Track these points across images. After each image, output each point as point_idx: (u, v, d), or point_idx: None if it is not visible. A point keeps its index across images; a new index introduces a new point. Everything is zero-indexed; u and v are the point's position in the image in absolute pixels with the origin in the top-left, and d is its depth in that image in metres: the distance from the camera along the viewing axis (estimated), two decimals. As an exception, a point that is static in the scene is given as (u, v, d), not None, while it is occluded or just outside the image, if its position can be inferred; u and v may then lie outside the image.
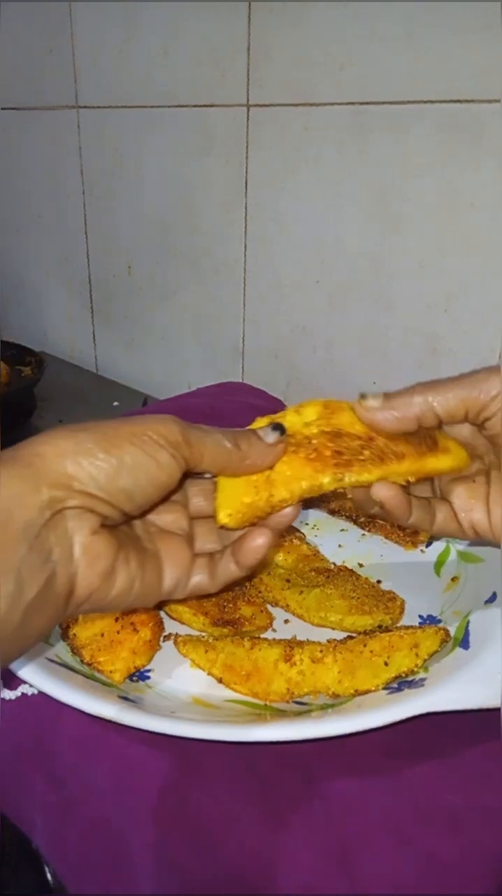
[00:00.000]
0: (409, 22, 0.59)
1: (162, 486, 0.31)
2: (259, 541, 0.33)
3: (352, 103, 0.65)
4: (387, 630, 0.41)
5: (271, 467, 0.34)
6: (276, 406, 0.76)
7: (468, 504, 0.37)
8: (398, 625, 0.43)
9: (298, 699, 0.38)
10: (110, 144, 0.92)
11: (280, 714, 0.37)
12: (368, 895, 0.30)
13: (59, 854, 0.38)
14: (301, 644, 0.39)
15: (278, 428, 0.33)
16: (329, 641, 0.40)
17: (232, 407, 0.73)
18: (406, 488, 0.35)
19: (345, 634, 0.42)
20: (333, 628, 0.43)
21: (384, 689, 0.37)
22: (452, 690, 0.35)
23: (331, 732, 0.33)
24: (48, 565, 0.28)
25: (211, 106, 0.78)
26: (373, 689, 0.37)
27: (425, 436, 0.35)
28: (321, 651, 0.38)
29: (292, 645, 0.39)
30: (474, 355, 0.64)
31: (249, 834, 0.32)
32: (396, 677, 0.38)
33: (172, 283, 0.91)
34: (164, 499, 0.33)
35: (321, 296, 0.74)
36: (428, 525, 0.37)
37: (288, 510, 0.34)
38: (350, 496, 0.38)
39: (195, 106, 0.79)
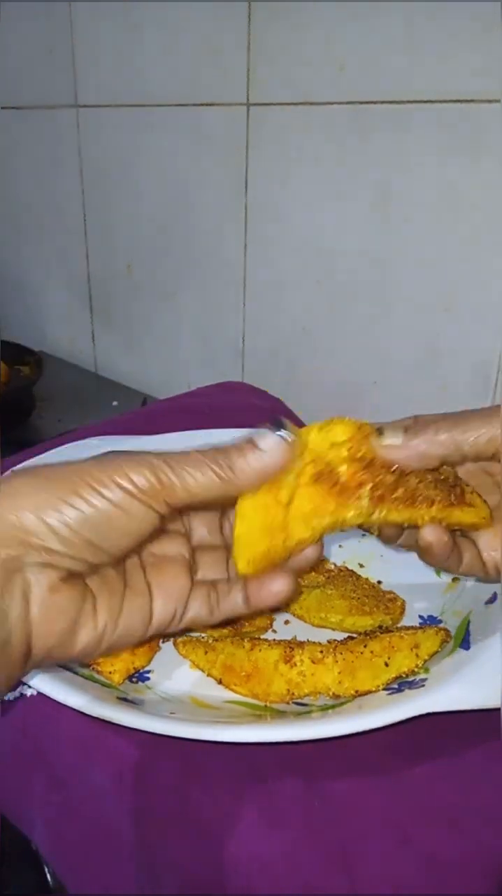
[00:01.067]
0: (409, 22, 0.59)
1: (135, 535, 0.29)
2: (277, 587, 0.31)
3: (352, 103, 0.65)
4: (388, 631, 0.41)
5: (281, 470, 0.30)
6: (276, 406, 0.76)
7: (492, 543, 0.36)
8: (398, 625, 0.43)
9: (298, 700, 0.38)
10: (110, 144, 0.92)
11: (280, 715, 0.37)
12: (368, 895, 0.30)
13: (59, 854, 0.38)
14: (301, 645, 0.39)
15: (278, 425, 0.30)
16: (329, 642, 0.40)
17: (232, 407, 0.73)
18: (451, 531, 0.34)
19: (345, 635, 0.42)
20: (333, 629, 0.43)
21: (384, 689, 0.37)
22: (452, 691, 0.35)
23: (331, 733, 0.33)
24: (3, 628, 0.26)
25: (211, 105, 0.78)
26: (374, 689, 0.37)
27: (454, 485, 0.34)
28: (321, 652, 0.38)
29: (292, 646, 0.39)
30: (474, 355, 0.64)
31: (249, 834, 0.32)
32: (397, 678, 0.38)
33: (172, 283, 0.91)
34: (150, 538, 0.31)
35: (321, 296, 0.74)
36: (456, 566, 0.36)
37: (309, 552, 0.32)
38: (374, 528, 0.36)
39: (195, 105, 0.79)
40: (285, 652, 0.38)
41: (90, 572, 0.30)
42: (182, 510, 0.31)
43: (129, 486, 0.28)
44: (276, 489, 0.31)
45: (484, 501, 0.35)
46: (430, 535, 0.33)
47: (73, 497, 0.27)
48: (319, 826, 0.32)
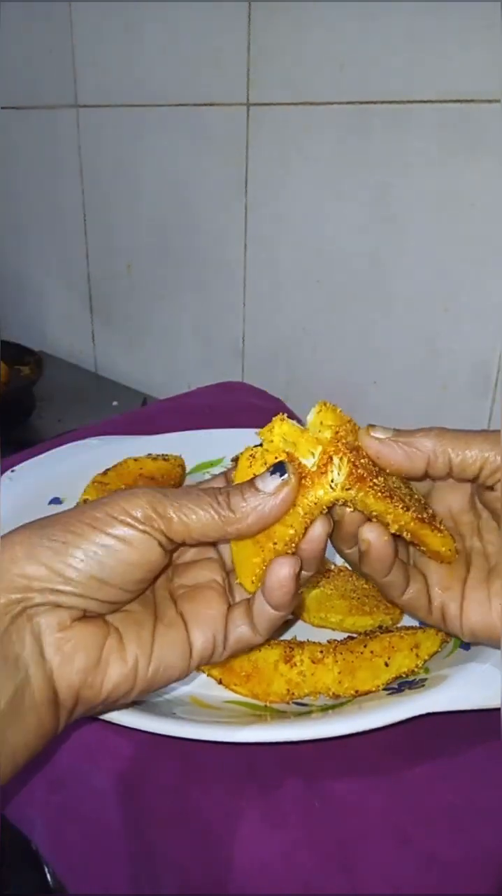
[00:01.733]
0: (409, 22, 0.59)
1: (143, 566, 0.28)
2: (282, 572, 0.29)
3: (352, 103, 0.65)
4: (388, 631, 0.41)
5: (278, 520, 0.29)
6: (276, 406, 0.76)
7: (444, 582, 0.34)
8: (398, 625, 0.43)
9: (298, 700, 0.38)
10: (110, 144, 0.92)
11: (280, 715, 0.37)
12: (368, 895, 0.30)
13: (59, 854, 0.38)
14: (301, 645, 0.39)
15: (279, 469, 0.29)
16: (329, 642, 0.40)
17: (232, 407, 0.73)
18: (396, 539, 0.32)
19: (345, 635, 0.42)
20: (333, 629, 0.43)
21: (384, 689, 0.37)
22: (452, 691, 0.35)
23: (331, 733, 0.33)
24: (17, 673, 0.26)
25: (211, 105, 0.78)
26: (374, 689, 0.37)
27: (426, 505, 0.33)
28: (321, 652, 0.38)
29: (292, 646, 0.39)
30: (474, 355, 0.64)
31: (249, 834, 0.32)
32: (396, 678, 0.38)
33: (172, 283, 0.91)
34: (161, 571, 0.30)
35: (321, 296, 0.74)
36: (399, 591, 0.34)
37: (315, 532, 0.30)
38: (336, 516, 0.32)
39: (195, 105, 0.79)
40: (285, 652, 0.38)
41: (107, 610, 0.29)
42: (184, 546, 0.30)
43: (127, 518, 0.28)
44: None
45: (451, 536, 0.34)
46: (371, 531, 0.31)
47: (71, 537, 0.28)
48: (319, 826, 0.32)
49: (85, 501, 0.51)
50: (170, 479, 0.57)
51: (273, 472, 0.29)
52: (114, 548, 0.28)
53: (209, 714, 0.37)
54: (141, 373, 1.01)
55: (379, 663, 0.38)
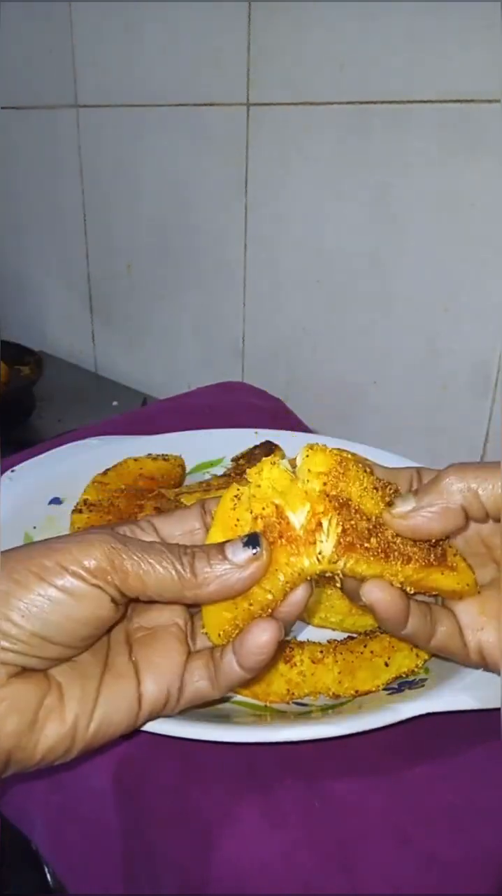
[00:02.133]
0: (409, 22, 0.59)
1: (91, 623, 0.26)
2: (262, 638, 0.27)
3: (352, 103, 0.65)
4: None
5: (241, 594, 0.27)
6: (277, 406, 0.76)
7: (478, 621, 0.31)
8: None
9: (298, 700, 0.38)
10: (110, 144, 0.92)
11: (280, 715, 0.37)
12: (368, 895, 0.30)
13: (59, 854, 0.38)
14: (301, 645, 0.39)
15: (252, 541, 0.26)
16: (329, 642, 0.40)
17: (232, 407, 0.73)
18: (405, 591, 0.29)
19: (345, 635, 0.42)
20: (333, 629, 0.43)
21: (384, 689, 0.37)
22: (452, 691, 0.35)
23: (331, 733, 0.33)
24: None
25: (210, 105, 0.78)
26: (374, 689, 0.37)
27: (435, 544, 0.30)
28: (321, 652, 0.38)
29: (292, 646, 0.39)
30: (474, 355, 0.64)
31: (249, 834, 0.32)
32: (397, 678, 0.38)
33: (172, 283, 0.91)
34: (110, 626, 0.28)
35: (321, 296, 0.74)
36: (424, 638, 0.30)
37: (295, 596, 0.28)
38: (338, 580, 0.30)
39: (195, 105, 0.79)
40: (285, 652, 0.38)
41: (50, 666, 0.27)
42: (137, 601, 0.28)
43: (78, 570, 0.25)
44: None
45: (469, 566, 0.31)
46: (374, 591, 0.28)
47: (13, 586, 0.25)
48: (319, 826, 0.32)
49: (85, 502, 0.51)
50: (171, 479, 0.57)
51: (246, 544, 0.27)
52: (60, 601, 0.25)
53: (209, 714, 0.37)
54: (141, 373, 1.01)
55: (379, 663, 0.38)
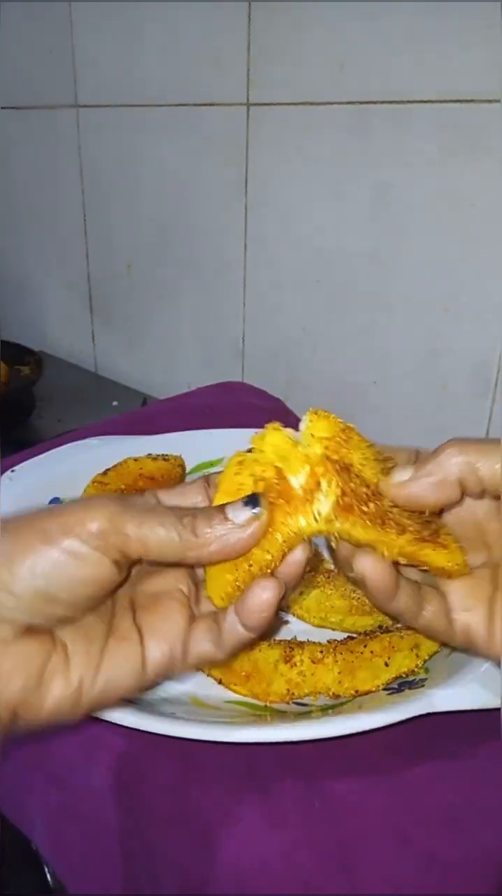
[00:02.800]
0: (409, 22, 0.59)
1: (94, 583, 0.27)
2: (264, 596, 0.27)
3: (353, 103, 0.65)
4: (388, 630, 0.41)
5: (242, 555, 0.27)
6: (277, 406, 0.76)
7: (465, 602, 0.31)
8: (398, 625, 0.43)
9: (298, 700, 0.38)
10: (110, 144, 0.92)
11: (280, 715, 0.37)
12: (368, 895, 0.30)
13: (59, 854, 0.38)
14: (301, 645, 0.39)
15: (253, 501, 0.27)
16: (329, 642, 0.40)
17: (232, 407, 0.73)
18: (397, 565, 0.29)
19: (345, 635, 0.42)
20: (333, 629, 0.43)
21: (384, 689, 0.37)
22: (452, 691, 0.35)
23: (331, 733, 0.33)
24: None
25: (211, 105, 0.78)
26: (374, 689, 0.37)
27: (430, 520, 0.30)
28: (321, 652, 0.38)
29: (292, 646, 0.39)
30: (474, 355, 0.64)
31: (249, 834, 0.32)
32: (396, 678, 0.38)
33: (172, 283, 0.91)
34: (114, 588, 0.28)
35: (321, 296, 0.74)
36: (413, 616, 0.31)
37: (294, 556, 0.28)
38: (332, 545, 0.30)
39: (195, 105, 0.79)
40: (285, 652, 0.38)
41: (55, 626, 0.28)
42: (140, 563, 0.29)
43: (81, 532, 0.26)
44: None
45: (461, 548, 0.31)
46: (366, 562, 0.28)
47: (20, 547, 0.26)
48: (319, 826, 0.32)
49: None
50: (171, 479, 0.57)
51: (246, 503, 0.27)
52: (62, 563, 0.26)
53: (209, 714, 0.37)
54: (141, 373, 1.01)
55: (379, 663, 0.38)
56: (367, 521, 0.28)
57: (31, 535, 0.26)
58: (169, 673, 0.30)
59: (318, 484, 0.28)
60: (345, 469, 0.28)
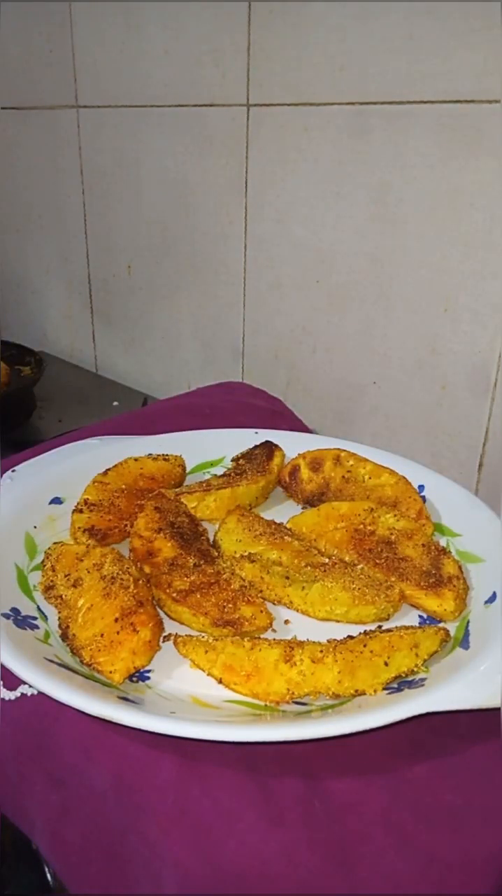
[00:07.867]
0: (409, 22, 0.59)
1: None
2: None
3: (352, 103, 0.65)
4: (388, 630, 0.41)
5: None
6: (276, 406, 0.76)
7: None
8: (398, 625, 0.43)
9: (298, 699, 0.38)
10: (110, 144, 0.92)
11: (280, 714, 0.37)
12: (368, 895, 0.30)
13: (59, 854, 0.38)
14: (301, 644, 0.39)
15: None
16: (329, 641, 0.40)
17: (232, 407, 0.73)
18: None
19: (345, 634, 0.42)
20: (338, 620, 0.43)
21: (384, 689, 0.37)
22: (452, 690, 0.35)
23: (331, 733, 0.33)
24: None
25: (210, 105, 0.78)
26: (373, 689, 0.37)
27: (437, 569, 0.39)
28: (321, 651, 0.38)
29: (292, 645, 0.39)
30: (474, 355, 0.64)
31: (249, 834, 0.32)
32: (396, 677, 0.38)
33: (172, 283, 0.91)
34: None
35: (321, 296, 0.74)
36: None
37: None
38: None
39: (195, 105, 0.79)
40: (285, 651, 0.38)
41: None
42: None
43: None
44: None
45: (462, 599, 0.35)
46: None
47: None
48: (319, 826, 0.32)
49: (85, 502, 0.51)
50: (171, 479, 0.57)
51: None
52: None
53: (209, 714, 0.37)
54: (141, 373, 1.01)
55: (378, 663, 0.38)
56: (372, 565, 0.31)
57: None
58: None
59: None
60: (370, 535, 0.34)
